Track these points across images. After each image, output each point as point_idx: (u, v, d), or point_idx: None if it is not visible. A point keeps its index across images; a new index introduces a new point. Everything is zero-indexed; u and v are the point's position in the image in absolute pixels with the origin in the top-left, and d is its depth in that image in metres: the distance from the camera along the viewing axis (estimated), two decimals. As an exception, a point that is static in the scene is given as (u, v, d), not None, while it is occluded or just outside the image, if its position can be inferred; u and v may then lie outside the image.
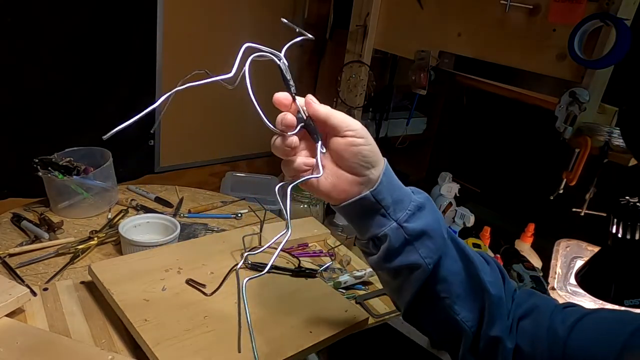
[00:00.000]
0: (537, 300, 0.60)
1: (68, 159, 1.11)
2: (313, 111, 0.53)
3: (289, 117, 0.52)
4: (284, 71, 0.54)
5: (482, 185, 1.76)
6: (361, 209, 0.55)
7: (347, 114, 0.55)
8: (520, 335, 0.57)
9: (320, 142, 0.54)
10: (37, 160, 1.06)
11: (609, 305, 1.01)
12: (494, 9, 1.20)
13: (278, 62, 0.53)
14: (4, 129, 1.35)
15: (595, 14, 1.00)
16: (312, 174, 0.55)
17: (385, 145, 1.78)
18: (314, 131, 0.54)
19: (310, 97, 0.54)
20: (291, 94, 0.54)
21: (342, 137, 0.53)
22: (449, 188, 1.45)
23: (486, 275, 0.58)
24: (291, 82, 0.54)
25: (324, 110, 0.53)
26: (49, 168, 1.05)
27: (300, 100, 0.54)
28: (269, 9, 1.74)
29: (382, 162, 0.56)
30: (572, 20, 1.03)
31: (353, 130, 0.53)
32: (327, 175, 0.55)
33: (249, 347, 0.69)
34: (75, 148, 1.15)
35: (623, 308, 0.84)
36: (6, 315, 0.72)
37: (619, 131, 1.04)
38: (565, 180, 1.09)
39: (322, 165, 0.54)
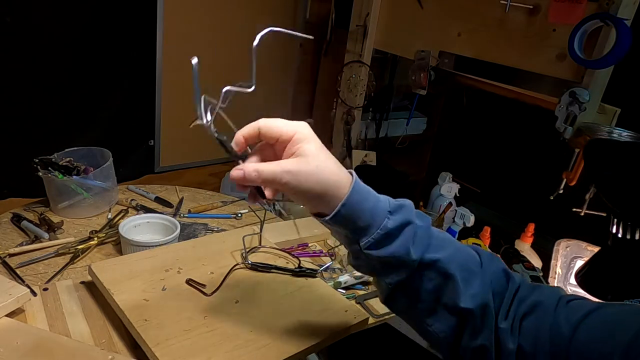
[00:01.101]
0: (541, 295, 0.58)
1: (68, 159, 1.11)
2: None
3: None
4: (227, 146, 0.54)
5: (482, 185, 1.76)
6: (325, 223, 0.56)
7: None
8: (523, 334, 0.56)
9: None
10: (37, 160, 1.06)
11: (609, 305, 1.01)
12: (494, 9, 1.20)
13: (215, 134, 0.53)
14: (4, 129, 1.35)
15: (595, 14, 1.00)
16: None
17: (385, 145, 1.78)
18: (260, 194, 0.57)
19: (234, 175, 0.53)
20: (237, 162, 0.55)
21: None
22: (449, 188, 1.45)
23: (471, 288, 0.56)
24: (235, 154, 0.54)
25: (252, 177, 0.52)
26: (49, 168, 1.05)
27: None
28: (270, 9, 1.74)
29: (335, 192, 0.53)
30: (572, 20, 1.03)
31: (279, 182, 0.52)
32: None
33: (248, 347, 0.70)
34: (75, 148, 1.15)
35: (628, 302, 0.83)
36: (6, 315, 0.72)
37: (619, 131, 1.04)
38: (565, 180, 1.09)
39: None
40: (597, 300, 0.88)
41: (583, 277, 0.93)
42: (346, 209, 0.53)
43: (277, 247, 0.98)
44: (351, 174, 0.56)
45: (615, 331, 0.51)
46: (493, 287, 0.58)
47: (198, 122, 0.51)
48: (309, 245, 1.11)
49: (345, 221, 0.54)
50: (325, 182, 0.52)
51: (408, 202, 0.58)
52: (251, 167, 0.52)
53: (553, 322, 0.55)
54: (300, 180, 0.52)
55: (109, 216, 1.12)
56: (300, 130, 0.53)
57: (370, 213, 0.54)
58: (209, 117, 0.51)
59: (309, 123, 0.55)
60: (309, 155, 0.52)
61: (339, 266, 1.06)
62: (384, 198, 0.57)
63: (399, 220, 0.55)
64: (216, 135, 0.52)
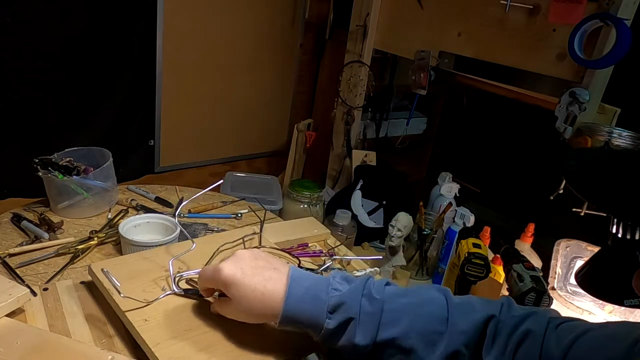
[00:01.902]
0: (531, 323, 0.59)
1: (68, 159, 1.10)
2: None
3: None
4: (195, 293, 0.75)
5: (482, 185, 1.76)
6: None
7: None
8: None
9: None
10: (37, 160, 1.06)
11: (608, 306, 1.01)
12: (494, 9, 1.20)
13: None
14: (4, 128, 1.35)
15: (595, 14, 1.00)
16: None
17: (385, 145, 1.79)
18: None
19: (213, 311, 0.71)
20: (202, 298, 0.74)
21: None
22: (449, 188, 1.45)
23: (437, 349, 0.59)
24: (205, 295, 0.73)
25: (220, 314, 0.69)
26: (49, 168, 1.05)
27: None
28: (269, 8, 1.74)
29: (272, 311, 0.62)
30: (572, 20, 1.03)
31: (233, 317, 0.67)
32: None
33: (249, 347, 0.69)
34: (75, 148, 1.15)
35: (620, 320, 0.84)
36: (6, 315, 0.72)
37: (619, 131, 1.04)
38: (565, 180, 1.09)
39: None
40: (597, 299, 0.88)
41: (583, 277, 0.92)
42: (285, 319, 0.62)
43: (277, 247, 0.98)
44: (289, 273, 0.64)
45: (609, 345, 0.51)
46: (464, 339, 0.59)
47: (171, 291, 0.75)
48: (309, 245, 1.11)
49: (293, 325, 0.63)
50: (258, 311, 0.63)
51: (349, 297, 0.62)
52: (217, 309, 0.69)
53: (543, 349, 0.55)
54: (243, 316, 0.66)
55: (109, 216, 1.12)
56: (222, 279, 0.63)
57: (311, 316, 0.61)
58: (175, 288, 0.75)
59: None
60: (235, 300, 0.64)
61: (338, 266, 1.06)
62: (324, 295, 0.62)
63: (339, 319, 0.61)
64: (185, 293, 0.74)
